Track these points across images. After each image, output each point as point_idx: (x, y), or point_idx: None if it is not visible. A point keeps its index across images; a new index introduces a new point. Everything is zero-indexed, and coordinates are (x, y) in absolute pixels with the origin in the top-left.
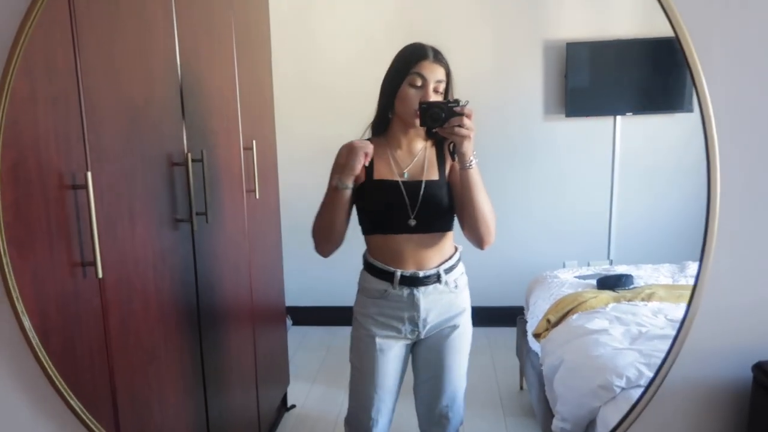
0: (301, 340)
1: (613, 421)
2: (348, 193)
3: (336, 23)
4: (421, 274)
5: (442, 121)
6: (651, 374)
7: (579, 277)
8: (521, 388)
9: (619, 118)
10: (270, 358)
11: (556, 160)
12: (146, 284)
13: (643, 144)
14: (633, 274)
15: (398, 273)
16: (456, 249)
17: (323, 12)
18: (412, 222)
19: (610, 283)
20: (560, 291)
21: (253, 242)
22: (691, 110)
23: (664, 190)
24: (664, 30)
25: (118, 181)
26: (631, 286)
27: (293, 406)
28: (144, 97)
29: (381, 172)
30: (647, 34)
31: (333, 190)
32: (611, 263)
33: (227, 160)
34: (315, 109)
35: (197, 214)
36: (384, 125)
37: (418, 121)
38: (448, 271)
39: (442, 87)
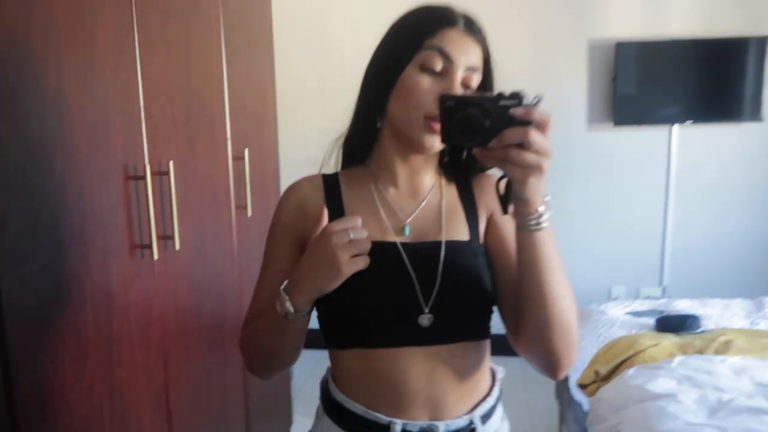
0: (314, 366)
1: None
2: (308, 318)
3: (351, 19)
4: (442, 428)
5: (485, 134)
6: None
7: (632, 314)
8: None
9: (675, 127)
10: (267, 395)
11: (601, 174)
12: (82, 322)
13: (703, 157)
14: (699, 312)
15: (397, 427)
16: (494, 374)
17: (336, 7)
18: (426, 320)
19: (673, 324)
20: (610, 332)
21: (245, 266)
22: (760, 119)
23: (728, 209)
24: (727, 29)
25: None
26: (699, 330)
27: None
28: (88, 94)
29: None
30: (708, 33)
31: (279, 316)
32: (664, 291)
33: (210, 173)
34: (328, 110)
35: (162, 238)
36: (366, 144)
37: (429, 138)
38: (486, 418)
39: (474, 81)
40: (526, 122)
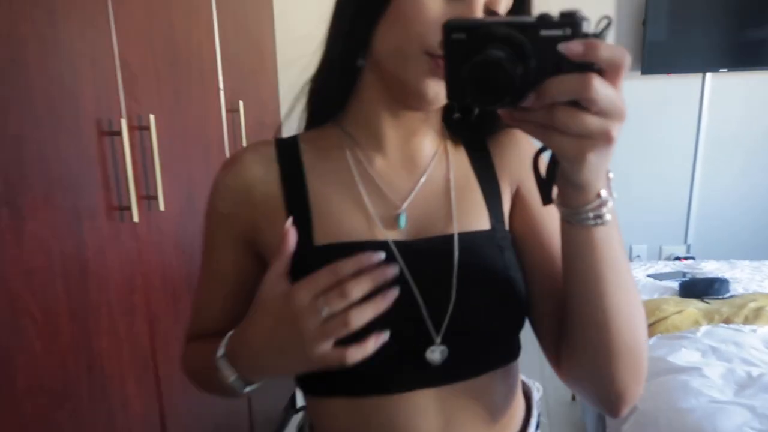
0: None
1: None
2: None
3: None
4: None
5: (517, 87)
6: None
7: (654, 277)
8: (573, 398)
9: (709, 75)
10: None
11: (627, 125)
12: (51, 292)
13: (737, 108)
14: (727, 275)
15: None
16: (527, 395)
17: None
18: (438, 354)
19: (698, 289)
20: None
21: None
22: None
23: (761, 164)
24: None
25: None
26: (728, 295)
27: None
28: (50, 39)
29: (336, 220)
30: None
31: (221, 380)
32: (688, 249)
33: (201, 127)
34: None
35: (146, 198)
36: (340, 95)
37: (433, 85)
38: None
39: (503, 5)
40: (585, 65)
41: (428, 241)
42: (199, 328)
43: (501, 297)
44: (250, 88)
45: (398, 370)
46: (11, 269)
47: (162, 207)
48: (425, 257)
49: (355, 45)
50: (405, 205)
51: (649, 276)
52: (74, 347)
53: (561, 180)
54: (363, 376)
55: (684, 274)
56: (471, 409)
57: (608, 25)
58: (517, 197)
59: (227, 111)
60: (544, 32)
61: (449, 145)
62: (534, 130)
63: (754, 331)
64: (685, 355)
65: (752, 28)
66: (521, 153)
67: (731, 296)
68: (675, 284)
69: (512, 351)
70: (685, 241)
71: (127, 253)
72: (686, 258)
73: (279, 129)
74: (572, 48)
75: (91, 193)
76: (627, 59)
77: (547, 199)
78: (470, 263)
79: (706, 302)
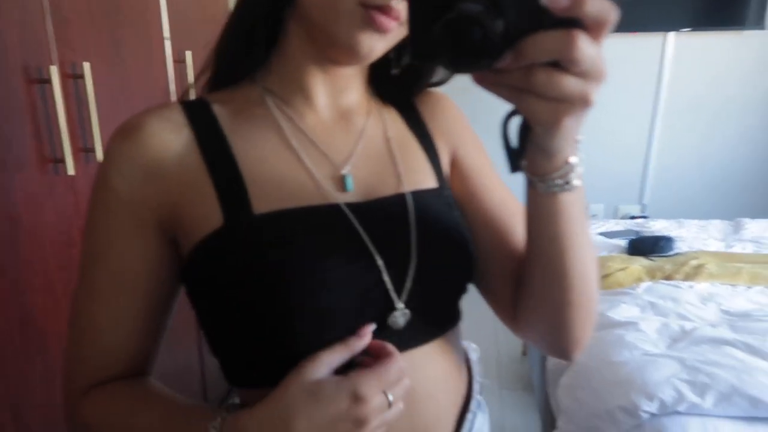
0: None
1: None
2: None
3: None
4: None
5: (494, 47)
6: (696, 398)
7: (605, 235)
8: (524, 353)
9: (671, 35)
10: None
11: None
12: None
13: (698, 69)
14: (674, 234)
15: None
16: (469, 361)
17: None
18: (401, 318)
19: (645, 247)
20: None
21: None
22: (763, 26)
23: (718, 125)
24: None
25: None
26: (672, 252)
27: None
28: None
29: (275, 185)
30: None
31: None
32: (643, 209)
33: (144, 77)
34: None
35: (83, 150)
36: (257, 49)
37: (366, 38)
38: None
39: None
40: (568, 21)
41: (379, 202)
42: (98, 370)
43: (457, 256)
44: (199, 38)
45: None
46: None
47: (100, 159)
48: (380, 219)
49: None
50: (348, 165)
51: (600, 234)
52: (5, 303)
53: (532, 146)
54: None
55: (636, 233)
56: (431, 373)
57: None
58: (454, 162)
59: (174, 62)
60: None
61: (378, 104)
62: (508, 93)
63: (691, 287)
64: (624, 311)
65: None
66: (452, 119)
67: (675, 254)
68: (624, 242)
69: (459, 311)
70: (641, 201)
71: (63, 206)
72: (641, 217)
73: (186, 92)
74: (557, 0)
75: (21, 145)
76: (615, 14)
77: (515, 167)
78: (426, 223)
79: (651, 260)
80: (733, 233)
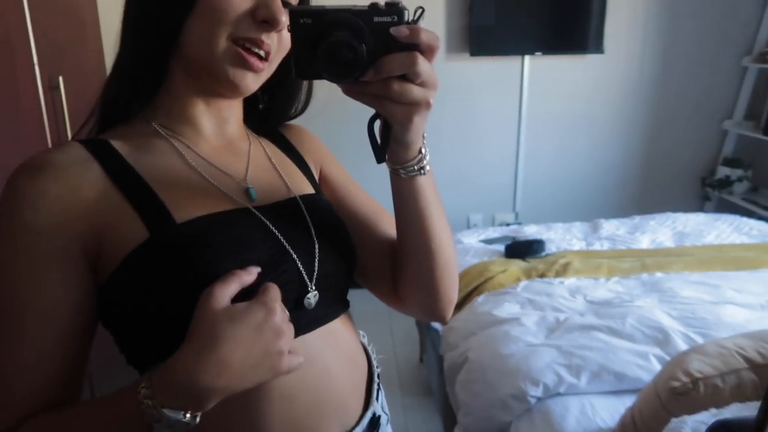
0: None
1: None
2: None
3: None
4: None
5: (361, 63)
6: (573, 379)
7: (485, 242)
8: (421, 360)
9: (527, 58)
10: None
11: (459, 104)
12: None
13: (552, 87)
14: (544, 237)
15: None
16: (362, 341)
17: None
18: (313, 299)
19: (521, 250)
20: (464, 260)
21: None
22: (602, 51)
23: (573, 137)
24: None
25: None
26: (543, 254)
27: None
28: None
29: (190, 200)
30: None
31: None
32: (516, 216)
33: (12, 107)
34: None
35: None
36: (145, 88)
37: (239, 73)
38: (378, 397)
39: None
40: (410, 45)
41: (279, 204)
42: (29, 403)
43: (345, 244)
44: (70, 63)
45: None
46: None
47: None
48: (285, 218)
49: (166, 39)
50: (247, 179)
51: (480, 241)
52: None
53: (392, 141)
54: None
55: (512, 239)
56: (343, 346)
57: (422, 14)
58: (322, 178)
59: (45, 88)
60: (377, 18)
61: (249, 132)
62: (371, 100)
63: (562, 282)
64: (507, 308)
65: (564, 17)
66: (314, 143)
67: (546, 255)
68: (502, 247)
69: (347, 299)
70: (514, 209)
71: None
72: (515, 224)
73: (78, 133)
74: (401, 31)
75: None
76: (439, 41)
77: (381, 159)
78: (319, 220)
79: (527, 261)
80: (591, 233)
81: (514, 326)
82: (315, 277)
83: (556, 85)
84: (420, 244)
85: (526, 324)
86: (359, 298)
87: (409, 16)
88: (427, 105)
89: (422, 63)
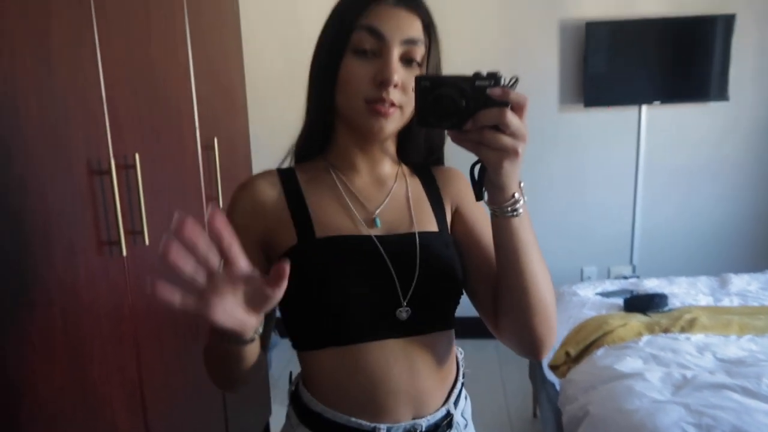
0: (292, 354)
1: None
2: (256, 344)
3: (320, 2)
4: (425, 425)
5: (460, 114)
6: None
7: (602, 295)
8: (535, 415)
9: (644, 107)
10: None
11: (572, 155)
12: (50, 321)
13: (671, 137)
14: (666, 291)
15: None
16: (457, 357)
17: None
18: (404, 313)
19: (641, 304)
20: (581, 313)
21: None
22: (726, 98)
23: (695, 188)
24: (695, 8)
25: None
26: (666, 308)
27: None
28: (46, 89)
29: (330, 221)
30: (676, 12)
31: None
32: (634, 269)
33: (178, 163)
34: (299, 96)
35: (132, 233)
36: (322, 140)
37: (375, 122)
38: (457, 402)
39: (418, 54)
40: (502, 103)
41: (398, 236)
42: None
43: (447, 276)
44: (222, 125)
45: (375, 325)
46: (15, 299)
47: (147, 241)
48: (397, 246)
49: (325, 105)
50: (378, 211)
51: (597, 294)
52: (70, 374)
53: (488, 184)
54: (350, 328)
55: (630, 292)
56: (425, 358)
57: (515, 82)
58: (456, 212)
59: (202, 148)
60: (478, 83)
61: (406, 171)
62: (469, 146)
63: (688, 338)
64: (629, 363)
65: (683, 63)
66: (459, 184)
67: (669, 309)
68: (620, 301)
69: (450, 321)
70: (631, 262)
71: (115, 285)
72: (633, 277)
73: (283, 161)
74: (495, 91)
75: (83, 229)
76: (527, 101)
77: (479, 197)
78: (427, 252)
79: (648, 315)
80: (719, 288)
81: (637, 381)
82: (410, 295)
83: (676, 134)
84: (514, 280)
85: (651, 380)
86: (471, 357)
87: (504, 82)
88: (515, 152)
89: (511, 116)
